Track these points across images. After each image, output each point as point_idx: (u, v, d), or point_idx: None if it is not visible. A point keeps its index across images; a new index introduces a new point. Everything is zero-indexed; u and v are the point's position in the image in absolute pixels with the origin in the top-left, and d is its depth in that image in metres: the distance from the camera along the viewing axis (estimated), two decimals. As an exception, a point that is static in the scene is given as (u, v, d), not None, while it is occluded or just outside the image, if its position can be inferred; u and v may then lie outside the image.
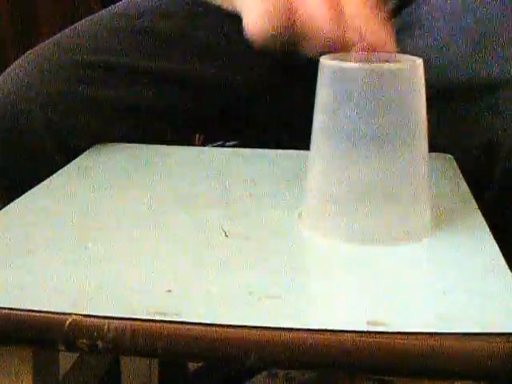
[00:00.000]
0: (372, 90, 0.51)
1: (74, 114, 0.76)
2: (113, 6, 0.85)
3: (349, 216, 0.53)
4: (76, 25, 0.83)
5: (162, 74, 0.81)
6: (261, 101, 0.89)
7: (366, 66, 0.51)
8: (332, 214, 0.53)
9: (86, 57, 0.78)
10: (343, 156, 0.52)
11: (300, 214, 0.56)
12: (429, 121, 0.78)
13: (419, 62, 0.53)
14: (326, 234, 0.53)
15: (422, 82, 0.53)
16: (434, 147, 0.75)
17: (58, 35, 0.81)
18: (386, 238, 0.52)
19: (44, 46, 0.80)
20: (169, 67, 0.81)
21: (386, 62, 0.53)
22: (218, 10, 0.84)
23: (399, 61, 0.53)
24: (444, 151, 0.73)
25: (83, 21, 0.84)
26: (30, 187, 0.63)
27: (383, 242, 0.52)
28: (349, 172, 0.52)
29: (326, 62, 0.53)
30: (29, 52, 0.80)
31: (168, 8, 0.84)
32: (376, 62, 0.53)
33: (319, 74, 0.54)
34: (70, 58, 0.78)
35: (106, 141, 0.77)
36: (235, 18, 0.85)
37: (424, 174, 0.54)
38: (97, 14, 0.85)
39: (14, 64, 0.79)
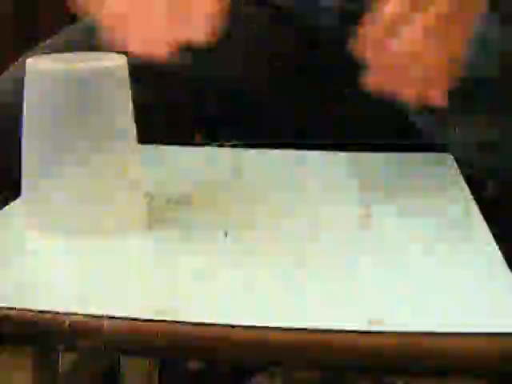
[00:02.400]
0: (71, 90, 0.51)
1: None
2: None
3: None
4: (75, 24, 0.83)
5: (161, 73, 0.81)
6: (261, 100, 0.89)
7: (59, 66, 0.51)
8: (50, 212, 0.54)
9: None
10: (55, 156, 0.53)
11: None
12: (429, 121, 0.78)
13: (122, 61, 0.54)
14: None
15: (125, 81, 0.54)
16: (434, 147, 0.75)
17: (59, 35, 0.81)
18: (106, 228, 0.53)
19: (44, 46, 0.80)
20: (168, 66, 0.81)
21: (90, 60, 0.53)
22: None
23: (102, 59, 0.53)
24: (444, 151, 0.73)
25: (82, 20, 0.84)
26: None
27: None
28: (68, 170, 0.53)
29: (29, 62, 0.53)
30: (29, 52, 0.80)
31: None
32: (80, 61, 0.53)
33: (26, 74, 0.53)
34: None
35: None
36: (237, 18, 0.85)
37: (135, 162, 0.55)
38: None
39: (13, 64, 0.79)
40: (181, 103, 0.83)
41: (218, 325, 0.41)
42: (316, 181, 0.66)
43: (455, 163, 0.70)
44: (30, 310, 0.42)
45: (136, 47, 0.60)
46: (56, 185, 0.53)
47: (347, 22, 0.84)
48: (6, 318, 0.42)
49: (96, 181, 0.53)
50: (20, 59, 0.79)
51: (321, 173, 0.69)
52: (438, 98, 0.56)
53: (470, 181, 0.65)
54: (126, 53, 0.58)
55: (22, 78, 0.76)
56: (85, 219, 0.53)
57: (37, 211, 0.54)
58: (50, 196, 0.53)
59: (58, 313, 0.42)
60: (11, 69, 0.78)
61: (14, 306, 0.43)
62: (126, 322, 0.41)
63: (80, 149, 0.52)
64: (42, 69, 0.52)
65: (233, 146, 0.92)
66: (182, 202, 0.56)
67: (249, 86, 0.86)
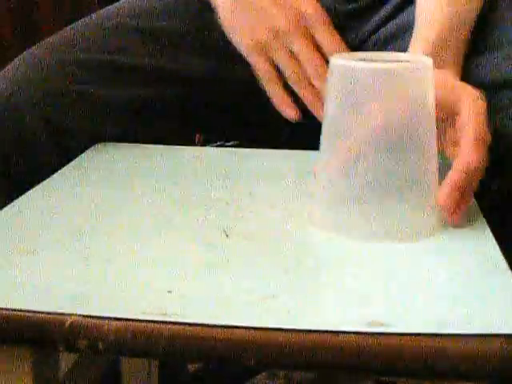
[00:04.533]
0: (384, 90, 0.51)
1: (70, 113, 0.75)
2: (111, 6, 0.85)
3: (355, 214, 0.53)
4: (74, 24, 0.83)
5: (161, 73, 0.81)
6: (261, 100, 0.89)
7: (379, 65, 0.51)
8: (340, 212, 0.53)
9: (83, 55, 0.78)
10: (354, 155, 0.52)
11: (309, 212, 0.56)
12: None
13: (430, 61, 0.53)
14: (334, 231, 0.53)
15: (433, 81, 0.53)
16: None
17: (56, 34, 0.81)
18: (391, 237, 0.52)
19: (41, 45, 0.80)
20: (168, 66, 0.81)
21: (396, 61, 0.53)
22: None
23: (409, 60, 0.53)
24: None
25: (81, 20, 0.84)
26: (28, 185, 0.63)
27: (390, 240, 0.52)
28: (358, 171, 0.52)
29: (337, 61, 0.53)
30: (26, 51, 0.80)
31: (167, 8, 0.84)
32: (385, 61, 0.53)
33: (329, 72, 0.53)
34: (67, 57, 0.77)
35: (104, 140, 0.77)
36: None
37: (434, 173, 0.54)
38: (95, 14, 0.84)
39: (11, 63, 0.79)
40: (181, 103, 0.83)
41: (218, 325, 0.41)
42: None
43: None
44: (31, 311, 0.42)
45: None
46: (351, 185, 0.53)
47: (346, 22, 0.85)
48: (6, 318, 0.42)
49: (388, 184, 0.52)
50: (17, 58, 0.79)
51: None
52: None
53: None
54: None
55: (19, 77, 0.76)
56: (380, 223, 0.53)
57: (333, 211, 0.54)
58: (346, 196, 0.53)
59: (57, 313, 0.42)
60: (9, 67, 0.78)
61: (14, 307, 0.43)
62: (126, 322, 0.41)
63: (377, 150, 0.52)
64: (355, 67, 0.51)
65: (233, 146, 0.92)
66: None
67: (249, 86, 0.86)
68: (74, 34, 0.81)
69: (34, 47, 0.80)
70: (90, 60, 0.78)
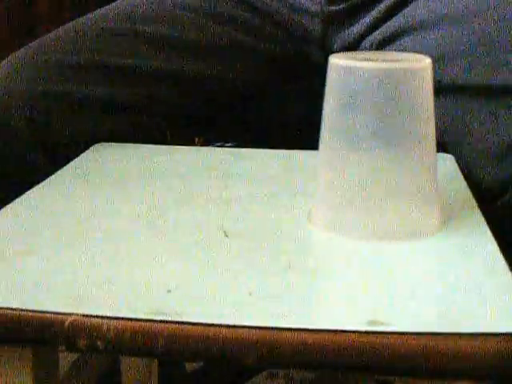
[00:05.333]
0: (384, 89, 0.51)
1: (54, 113, 0.75)
2: (102, 8, 0.85)
3: (355, 213, 0.53)
4: (67, 24, 0.83)
5: (158, 74, 0.81)
6: (261, 100, 0.89)
7: (379, 65, 0.51)
8: (340, 212, 0.53)
9: (70, 56, 0.78)
10: (353, 155, 0.52)
11: (309, 212, 0.56)
12: (438, 120, 0.78)
13: (428, 61, 0.53)
14: (334, 231, 0.53)
15: (431, 81, 0.53)
16: (441, 146, 0.75)
17: (46, 35, 0.81)
18: (391, 236, 0.52)
19: (30, 46, 0.80)
20: (164, 66, 0.81)
21: (395, 61, 0.53)
22: (212, 9, 0.84)
23: (408, 60, 0.53)
24: (444, 151, 0.73)
25: (75, 20, 0.84)
26: (28, 186, 0.63)
27: (389, 240, 0.52)
28: (359, 171, 0.52)
29: (336, 61, 0.53)
30: (16, 51, 0.80)
31: (159, 9, 0.84)
32: (384, 61, 0.53)
33: (329, 72, 0.53)
34: (55, 58, 0.77)
35: (99, 141, 0.77)
36: (229, 18, 0.85)
37: (434, 173, 0.54)
38: (89, 15, 0.84)
39: (1, 63, 0.78)
40: (180, 104, 0.83)
41: (218, 325, 0.41)
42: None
43: (455, 163, 0.70)
44: (31, 310, 0.42)
45: None
46: (349, 185, 0.53)
47: (335, 23, 0.85)
48: (7, 318, 0.42)
49: (388, 183, 0.52)
50: (6, 59, 0.79)
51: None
52: None
53: (470, 180, 0.65)
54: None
55: (6, 77, 0.76)
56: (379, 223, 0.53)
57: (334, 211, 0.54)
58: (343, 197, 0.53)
59: (58, 312, 0.42)
60: (3, 63, 0.78)
61: (14, 306, 0.43)
62: (125, 322, 0.41)
63: (377, 149, 0.52)
64: (354, 66, 0.51)
65: (232, 147, 0.92)
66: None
67: (249, 86, 0.86)
68: (63, 35, 0.81)
69: (24, 47, 0.80)
70: (75, 60, 0.78)
